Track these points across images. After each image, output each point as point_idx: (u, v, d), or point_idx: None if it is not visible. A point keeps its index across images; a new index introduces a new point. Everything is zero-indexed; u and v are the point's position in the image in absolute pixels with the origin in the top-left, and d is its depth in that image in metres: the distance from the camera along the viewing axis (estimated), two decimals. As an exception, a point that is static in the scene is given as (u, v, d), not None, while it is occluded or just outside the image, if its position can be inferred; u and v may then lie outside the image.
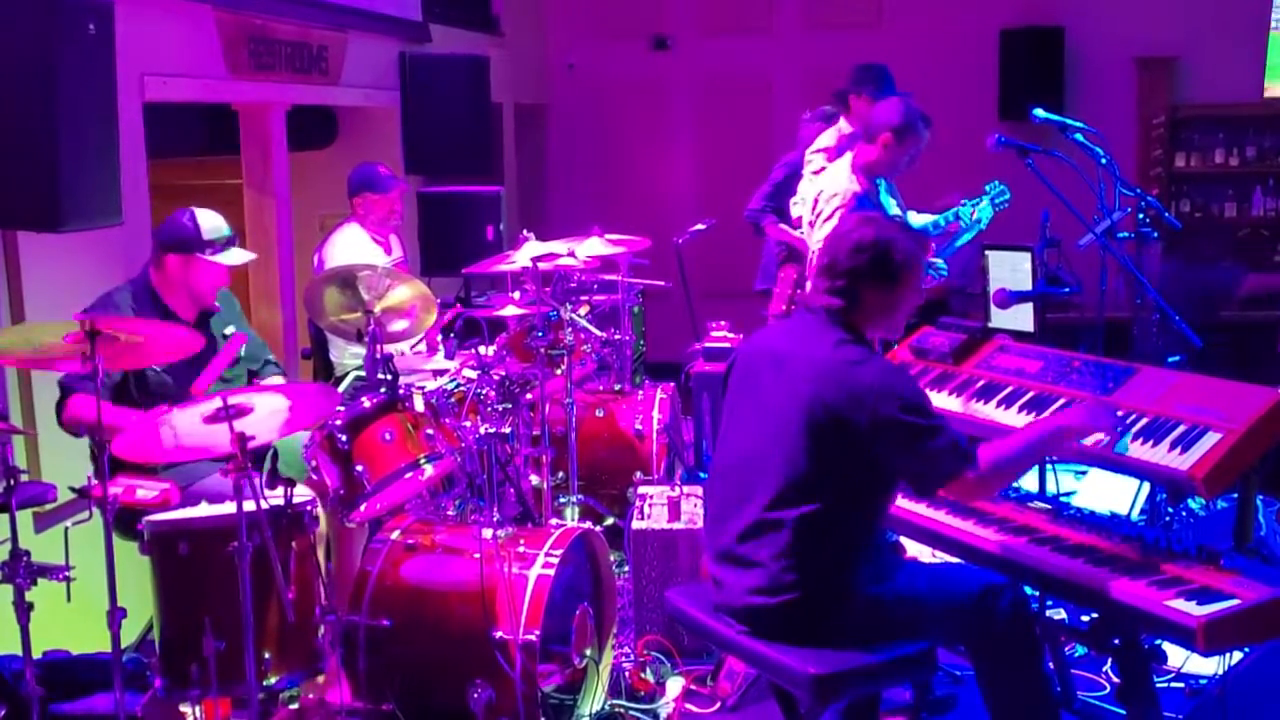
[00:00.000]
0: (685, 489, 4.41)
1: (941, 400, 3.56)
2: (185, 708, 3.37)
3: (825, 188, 4.73)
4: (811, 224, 4.77)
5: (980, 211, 4.92)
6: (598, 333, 5.13)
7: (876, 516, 3.05)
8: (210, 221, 3.91)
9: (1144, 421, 3.05)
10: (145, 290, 3.92)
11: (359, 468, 3.53)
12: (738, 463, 3.09)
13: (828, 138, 5.74)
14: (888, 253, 3.01)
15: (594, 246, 5.06)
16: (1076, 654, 3.95)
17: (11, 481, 3.01)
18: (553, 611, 3.46)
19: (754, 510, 2.99)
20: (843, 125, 5.78)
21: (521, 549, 3.54)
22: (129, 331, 3.07)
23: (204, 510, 3.35)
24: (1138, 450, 3.00)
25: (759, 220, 6.28)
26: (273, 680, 3.16)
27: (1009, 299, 4.05)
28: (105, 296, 3.88)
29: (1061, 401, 3.28)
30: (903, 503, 3.33)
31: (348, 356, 5.17)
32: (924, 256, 3.12)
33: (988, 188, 4.92)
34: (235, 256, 3.95)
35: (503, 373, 4.14)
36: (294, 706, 3.58)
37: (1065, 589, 2.98)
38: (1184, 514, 4.05)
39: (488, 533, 3.58)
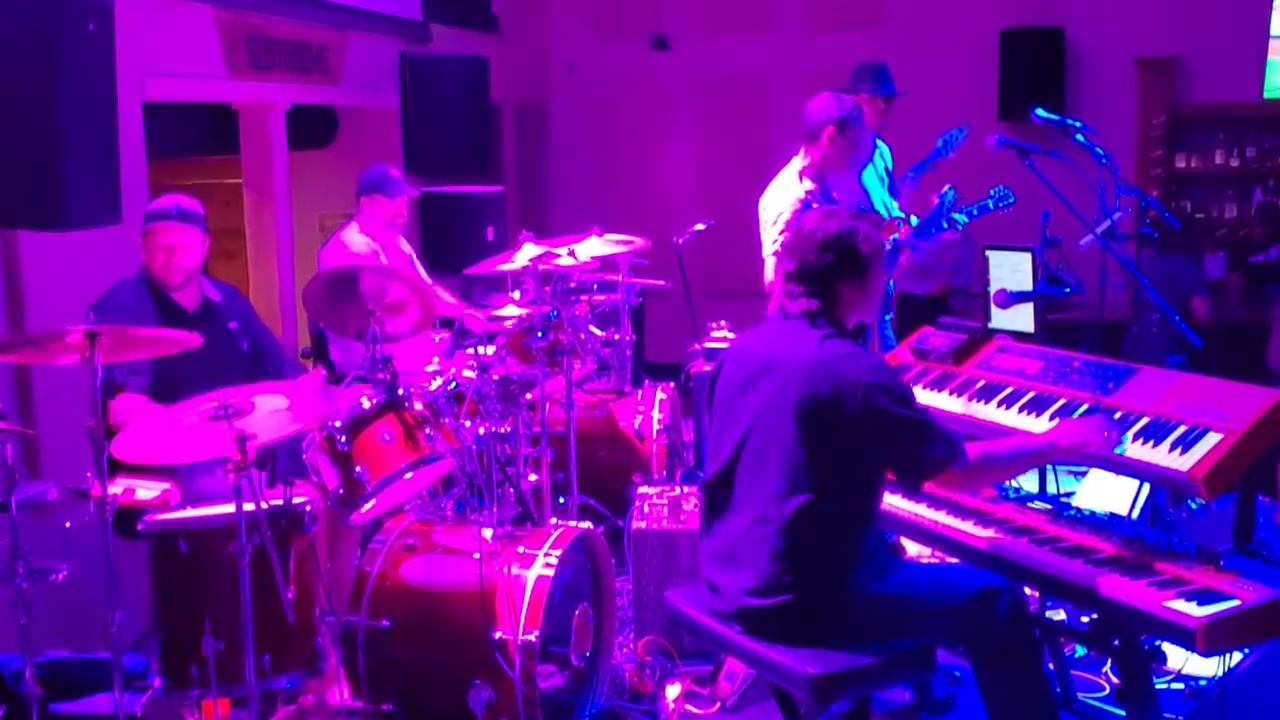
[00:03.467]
0: (685, 489, 4.41)
1: (941, 400, 3.56)
2: (184, 708, 3.36)
3: (769, 201, 4.68)
4: (764, 235, 4.74)
5: (944, 195, 4.89)
6: (598, 333, 5.12)
7: (869, 513, 3.04)
8: (163, 199, 3.98)
9: (1144, 422, 3.05)
10: (147, 284, 3.95)
11: (359, 468, 3.53)
12: (730, 467, 3.08)
13: None
14: (853, 245, 3.02)
15: (594, 246, 5.05)
16: (1076, 654, 3.95)
17: (10, 481, 3.01)
18: (552, 612, 3.45)
19: (748, 513, 3.00)
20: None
21: (521, 549, 3.54)
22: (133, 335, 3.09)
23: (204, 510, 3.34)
24: (1138, 451, 2.99)
25: None
26: (272, 680, 3.15)
27: (1009, 299, 4.05)
28: (110, 290, 3.89)
29: (1062, 402, 3.28)
30: (903, 503, 3.32)
31: None
32: (882, 237, 3.15)
33: (992, 191, 4.90)
34: (171, 229, 3.92)
35: (502, 373, 4.13)
36: (293, 707, 3.58)
37: (1065, 589, 2.98)
38: (1184, 514, 4.05)
39: (487, 533, 3.58)
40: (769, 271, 4.66)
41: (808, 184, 4.64)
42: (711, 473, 3.17)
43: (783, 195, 4.65)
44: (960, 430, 3.49)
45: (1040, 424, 3.26)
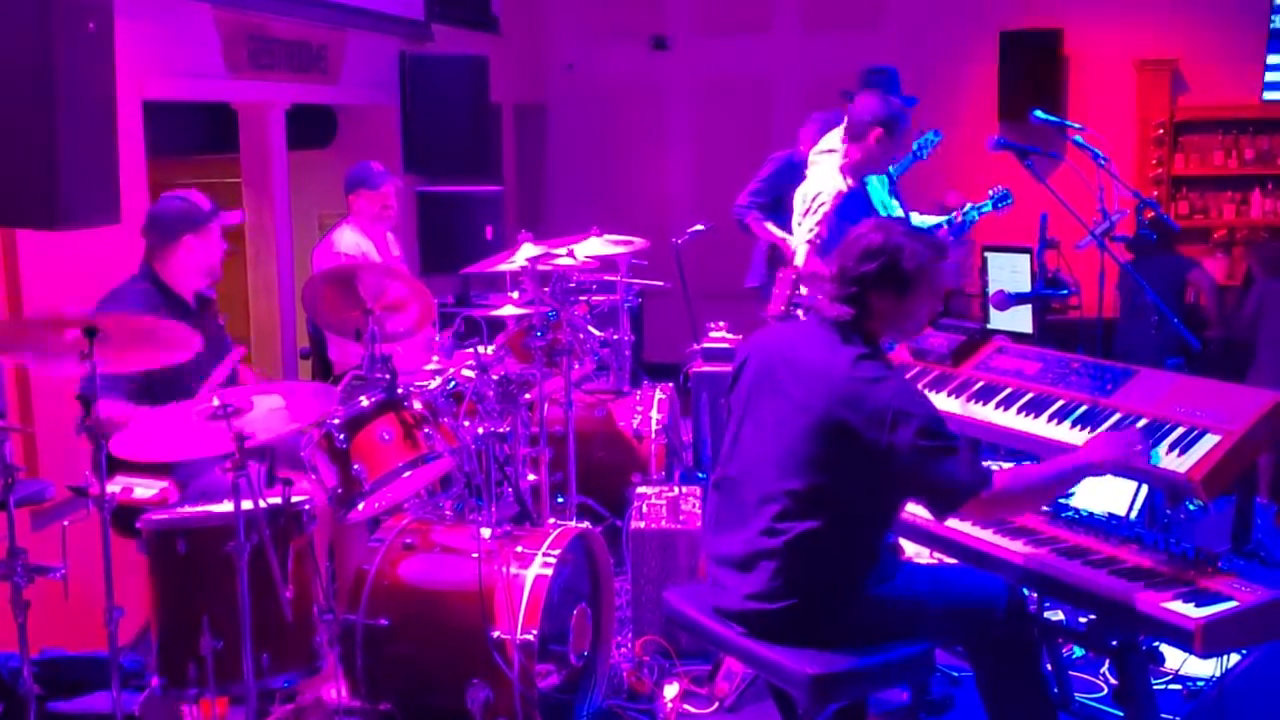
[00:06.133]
0: (683, 489, 4.41)
1: (940, 401, 3.56)
2: (182, 706, 3.36)
3: (811, 188, 4.71)
4: (800, 224, 4.77)
5: (965, 213, 4.88)
6: (596, 333, 5.12)
7: (882, 530, 3.02)
8: (196, 195, 4.02)
9: (1142, 424, 3.05)
10: (153, 282, 3.93)
11: (357, 467, 3.53)
12: (747, 468, 3.05)
13: (833, 138, 5.72)
14: (896, 260, 2.94)
15: (593, 246, 5.05)
16: (1074, 655, 3.96)
17: (9, 480, 3.00)
18: (550, 611, 3.45)
19: (761, 519, 2.96)
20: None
21: (519, 549, 3.54)
22: (145, 330, 3.09)
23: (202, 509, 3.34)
24: (1136, 452, 2.99)
25: (744, 217, 6.28)
26: (270, 679, 3.15)
27: (1007, 300, 4.05)
28: (115, 295, 3.87)
29: (1060, 403, 3.28)
30: (913, 504, 3.31)
31: None
32: (940, 262, 3.02)
33: (991, 192, 4.90)
34: (228, 217, 4.14)
35: (501, 372, 4.13)
36: (291, 705, 3.58)
37: (1063, 590, 2.98)
38: (1182, 516, 4.05)
39: (486, 532, 3.58)
40: (800, 258, 4.65)
41: (849, 180, 4.65)
42: (726, 470, 3.12)
43: (825, 185, 4.64)
44: (958, 431, 3.50)
45: (1039, 425, 3.26)
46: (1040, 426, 3.26)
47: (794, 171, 6.13)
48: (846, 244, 3.05)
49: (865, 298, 2.97)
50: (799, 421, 2.91)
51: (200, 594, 3.08)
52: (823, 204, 4.59)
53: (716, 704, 3.89)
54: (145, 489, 3.42)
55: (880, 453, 2.83)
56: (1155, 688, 3.33)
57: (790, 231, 5.90)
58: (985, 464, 3.02)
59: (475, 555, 3.48)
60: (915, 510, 3.34)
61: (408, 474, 3.63)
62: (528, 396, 4.33)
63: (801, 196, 4.76)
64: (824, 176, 4.71)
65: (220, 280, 4.10)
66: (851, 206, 4.57)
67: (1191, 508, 3.94)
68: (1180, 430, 2.95)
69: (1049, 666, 3.44)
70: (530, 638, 3.37)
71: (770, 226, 6.13)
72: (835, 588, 2.93)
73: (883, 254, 2.95)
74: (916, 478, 2.87)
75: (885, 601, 2.96)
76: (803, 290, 4.19)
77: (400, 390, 3.67)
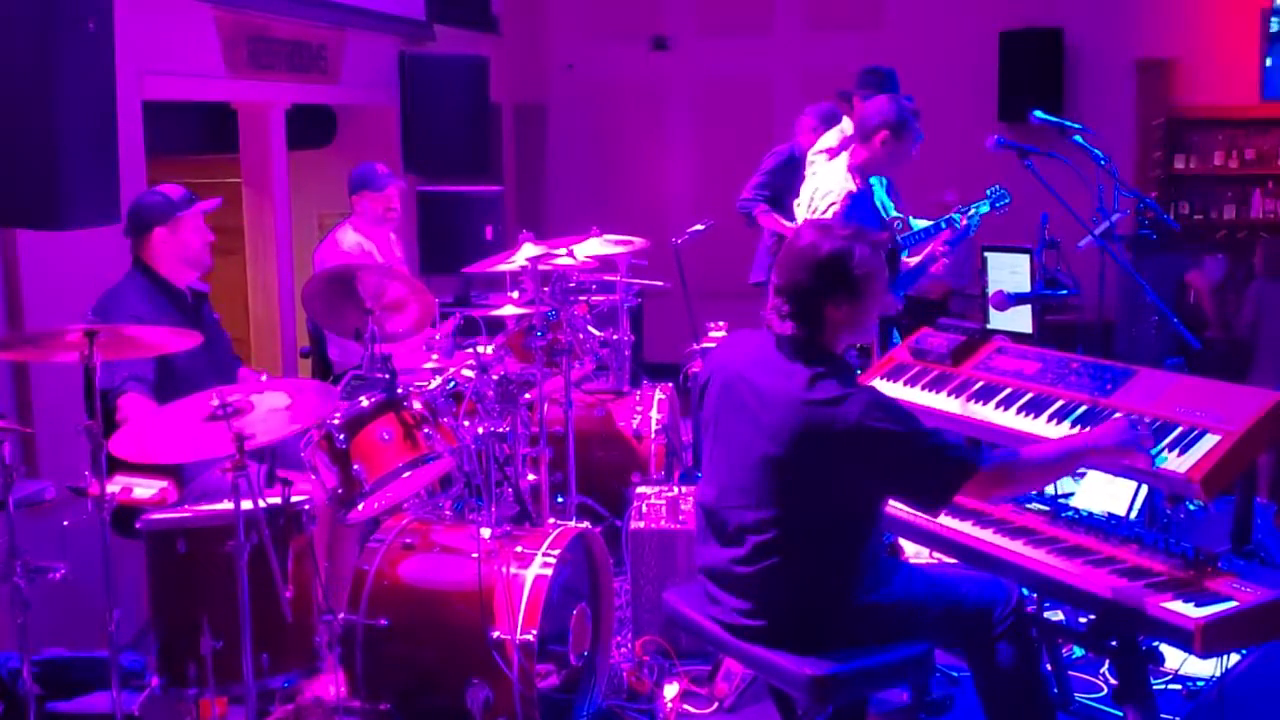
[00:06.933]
0: (683, 489, 4.41)
1: (939, 401, 3.56)
2: (182, 706, 3.36)
3: (820, 186, 4.72)
4: None
5: (970, 219, 4.86)
6: (596, 333, 5.12)
7: (869, 536, 2.99)
8: (170, 188, 4.01)
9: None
10: (145, 275, 3.93)
11: (357, 467, 3.52)
12: (722, 494, 3.01)
13: (830, 138, 5.73)
14: (845, 267, 2.88)
15: (593, 246, 5.05)
16: (1074, 655, 3.95)
17: (8, 480, 3.00)
18: (550, 611, 3.45)
19: (741, 547, 2.94)
20: (845, 126, 5.77)
21: (519, 549, 3.54)
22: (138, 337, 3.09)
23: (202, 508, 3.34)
24: (1136, 452, 2.99)
25: (750, 210, 6.30)
26: (270, 679, 3.15)
27: (1007, 301, 4.05)
28: (112, 293, 3.87)
29: (1060, 403, 3.28)
30: (900, 504, 3.32)
31: None
32: (883, 260, 2.98)
33: (988, 192, 4.90)
34: (205, 204, 4.03)
35: (501, 372, 4.13)
36: (291, 705, 3.58)
37: (1063, 590, 2.98)
38: (1182, 516, 4.05)
39: (486, 532, 3.58)
40: None
41: (857, 180, 4.65)
42: (705, 493, 3.09)
43: (835, 186, 4.65)
44: (958, 431, 3.50)
45: (1038, 425, 3.26)
46: (1040, 426, 3.26)
47: (794, 165, 6.14)
48: (790, 256, 2.97)
49: (818, 310, 2.91)
50: (766, 449, 2.87)
51: (200, 594, 3.08)
52: (833, 204, 4.59)
53: (716, 704, 3.89)
54: (145, 489, 3.42)
55: (855, 473, 2.83)
56: (1155, 688, 3.33)
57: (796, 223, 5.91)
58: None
59: (475, 555, 3.48)
60: (914, 510, 3.35)
61: (408, 474, 3.63)
62: (527, 396, 4.33)
63: (809, 195, 4.76)
64: (833, 176, 4.71)
65: (211, 269, 4.07)
66: (859, 207, 4.58)
67: (1191, 508, 3.95)
68: (1180, 430, 2.95)
69: (1049, 666, 3.44)
70: (530, 638, 3.37)
71: (777, 217, 6.14)
72: (827, 601, 2.92)
73: (830, 262, 2.89)
74: (897, 486, 2.90)
75: (882, 607, 2.95)
76: None
77: (400, 390, 3.67)
